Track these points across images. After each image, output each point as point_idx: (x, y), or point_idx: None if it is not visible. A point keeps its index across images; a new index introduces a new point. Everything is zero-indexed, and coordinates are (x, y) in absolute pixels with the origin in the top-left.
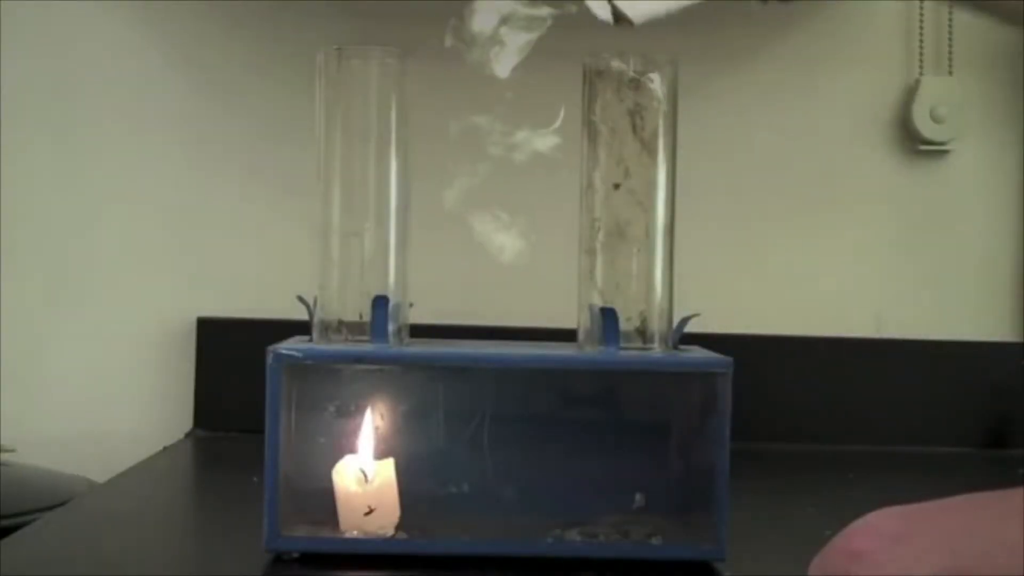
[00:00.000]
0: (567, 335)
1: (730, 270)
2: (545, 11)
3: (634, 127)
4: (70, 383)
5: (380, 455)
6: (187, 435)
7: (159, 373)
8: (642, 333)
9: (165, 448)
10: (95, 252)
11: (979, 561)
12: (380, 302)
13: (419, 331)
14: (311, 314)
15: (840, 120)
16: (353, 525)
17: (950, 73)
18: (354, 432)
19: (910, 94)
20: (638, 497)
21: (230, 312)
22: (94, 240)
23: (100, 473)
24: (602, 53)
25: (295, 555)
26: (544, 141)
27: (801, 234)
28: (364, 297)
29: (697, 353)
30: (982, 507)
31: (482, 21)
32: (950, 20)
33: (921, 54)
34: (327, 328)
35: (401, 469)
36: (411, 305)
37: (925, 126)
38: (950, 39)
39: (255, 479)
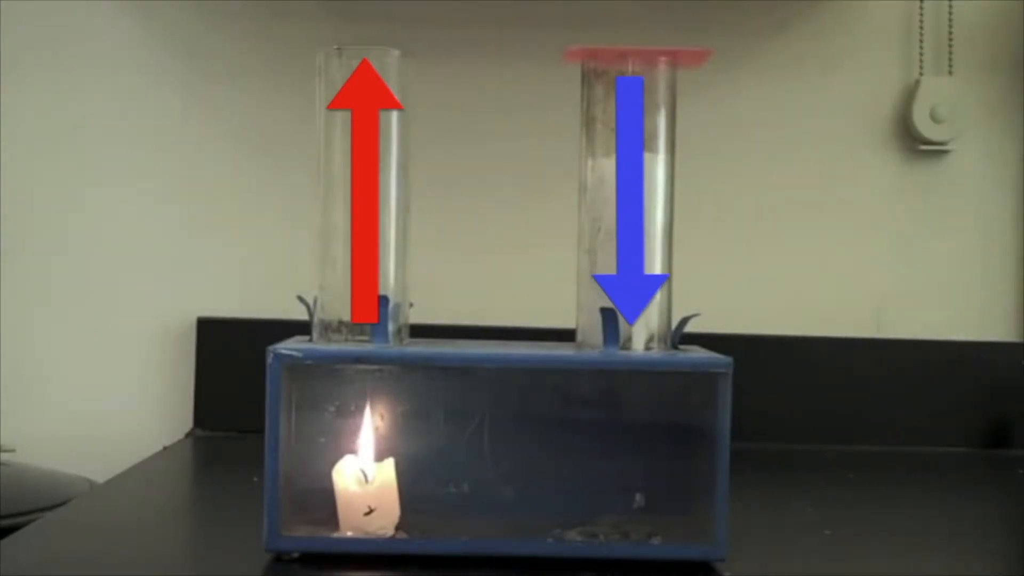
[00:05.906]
0: (567, 335)
1: (730, 270)
2: None
3: None
4: (70, 383)
5: (380, 455)
6: (187, 435)
7: (159, 373)
8: None
9: (165, 448)
10: (95, 252)
11: None
12: (380, 302)
13: (419, 331)
14: (311, 314)
15: (840, 120)
16: (353, 525)
17: (950, 73)
18: (354, 432)
19: (910, 94)
20: (638, 497)
21: (230, 312)
22: (94, 240)
23: (100, 473)
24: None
25: (295, 555)
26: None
27: (801, 234)
28: None
29: (697, 353)
30: None
31: None
32: (950, 20)
33: (921, 54)
34: (327, 328)
35: (401, 469)
36: (411, 305)
37: (925, 126)
38: (950, 39)
39: (255, 479)
